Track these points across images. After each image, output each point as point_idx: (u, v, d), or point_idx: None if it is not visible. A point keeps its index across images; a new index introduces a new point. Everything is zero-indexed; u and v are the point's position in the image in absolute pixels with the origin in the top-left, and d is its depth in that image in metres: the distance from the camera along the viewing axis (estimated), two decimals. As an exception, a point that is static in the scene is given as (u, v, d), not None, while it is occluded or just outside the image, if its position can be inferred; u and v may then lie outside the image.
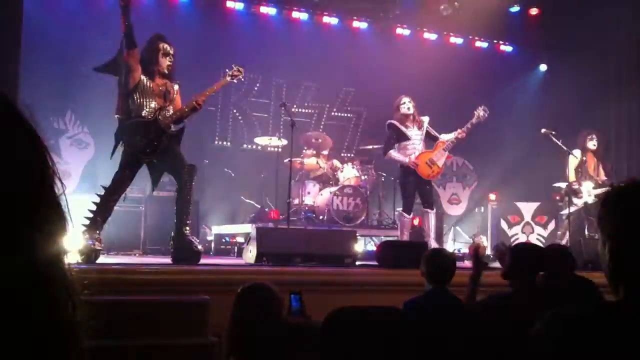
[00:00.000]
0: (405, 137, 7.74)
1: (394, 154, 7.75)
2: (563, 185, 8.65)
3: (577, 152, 8.59)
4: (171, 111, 5.91)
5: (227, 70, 6.33)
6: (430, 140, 7.87)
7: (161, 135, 5.80)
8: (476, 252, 4.15)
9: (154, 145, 5.77)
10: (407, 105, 7.77)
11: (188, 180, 5.86)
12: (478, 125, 7.73)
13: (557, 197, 8.94)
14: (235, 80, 6.40)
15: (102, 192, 5.69)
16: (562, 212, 8.65)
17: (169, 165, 5.95)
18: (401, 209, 7.91)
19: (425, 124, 7.83)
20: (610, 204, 1.57)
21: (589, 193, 8.41)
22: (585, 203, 8.39)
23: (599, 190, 8.20)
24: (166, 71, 5.93)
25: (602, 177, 8.54)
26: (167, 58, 5.91)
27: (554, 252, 4.25)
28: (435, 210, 8.04)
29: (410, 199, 7.80)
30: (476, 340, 3.04)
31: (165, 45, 5.92)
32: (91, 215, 5.62)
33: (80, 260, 5.31)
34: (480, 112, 7.65)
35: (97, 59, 6.28)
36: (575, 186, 8.49)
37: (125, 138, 5.77)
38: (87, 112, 9.31)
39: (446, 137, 7.74)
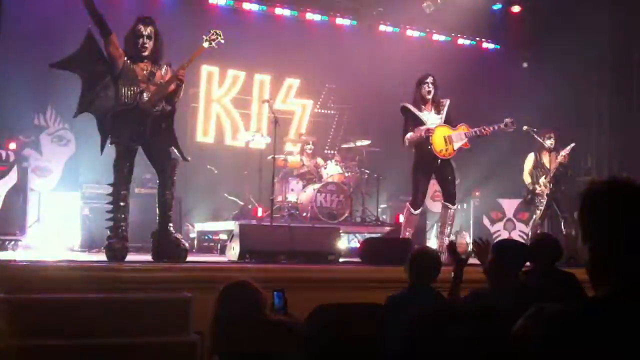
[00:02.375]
0: (420, 122, 7.09)
1: (408, 135, 7.11)
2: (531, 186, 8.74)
3: (530, 155, 8.69)
4: (153, 92, 5.72)
5: (203, 36, 6.05)
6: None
7: (145, 119, 5.65)
8: (452, 248, 4.10)
9: (140, 131, 5.64)
10: (429, 87, 7.12)
11: (171, 175, 5.79)
12: (500, 131, 7.41)
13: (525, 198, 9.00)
14: (215, 45, 6.05)
15: (110, 190, 5.65)
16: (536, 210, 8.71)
17: (154, 157, 5.83)
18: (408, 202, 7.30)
19: (446, 108, 7.23)
20: (589, 202, 1.58)
21: (545, 185, 8.52)
22: (548, 196, 8.49)
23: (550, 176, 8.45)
24: (143, 53, 5.75)
25: (559, 161, 8.55)
26: (141, 39, 5.71)
27: (544, 243, 4.26)
28: (456, 206, 7.51)
29: (419, 195, 7.17)
30: (459, 336, 3.04)
31: (140, 27, 5.73)
32: (110, 215, 5.61)
33: (107, 259, 5.35)
34: (509, 122, 7.31)
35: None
36: (531, 187, 8.60)
37: (111, 130, 5.65)
38: (67, 109, 9.14)
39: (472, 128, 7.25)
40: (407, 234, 7.21)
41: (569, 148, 8.55)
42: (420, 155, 7.15)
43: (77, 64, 5.73)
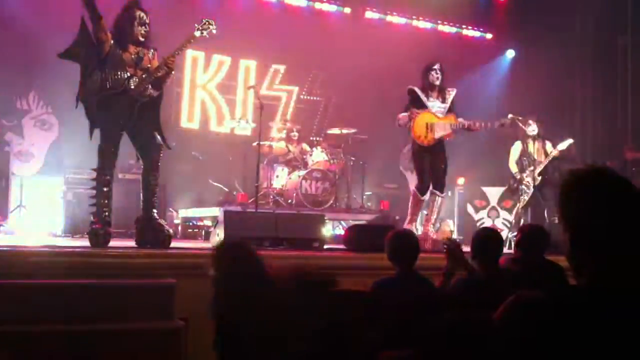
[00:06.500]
0: (424, 107, 7.08)
1: (401, 115, 7.10)
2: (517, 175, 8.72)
3: (517, 144, 8.64)
4: (141, 78, 5.67)
5: (196, 24, 5.95)
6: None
7: (133, 105, 5.61)
8: (453, 251, 3.97)
9: (127, 116, 5.59)
10: (437, 73, 7.10)
11: (156, 161, 5.76)
12: (495, 128, 7.45)
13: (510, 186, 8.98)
14: (206, 34, 5.95)
15: (94, 175, 5.61)
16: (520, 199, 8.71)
17: (139, 142, 5.78)
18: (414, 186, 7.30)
19: (451, 98, 7.21)
20: (568, 192, 1.59)
21: (533, 177, 8.50)
22: (534, 187, 8.49)
23: (540, 168, 8.39)
24: (141, 39, 5.72)
25: (549, 153, 8.53)
26: (143, 27, 5.69)
27: (534, 234, 4.28)
28: (445, 195, 7.54)
29: (425, 177, 7.15)
30: (444, 322, 3.07)
31: (142, 14, 5.70)
32: (94, 200, 5.57)
33: (90, 245, 5.31)
34: (508, 120, 7.40)
35: (61, 39, 6.09)
36: (518, 176, 8.57)
37: (98, 115, 5.59)
38: (51, 93, 9.11)
39: (460, 119, 7.23)
40: (414, 217, 7.22)
41: (566, 143, 8.52)
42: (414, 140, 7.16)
43: (76, 53, 5.69)
